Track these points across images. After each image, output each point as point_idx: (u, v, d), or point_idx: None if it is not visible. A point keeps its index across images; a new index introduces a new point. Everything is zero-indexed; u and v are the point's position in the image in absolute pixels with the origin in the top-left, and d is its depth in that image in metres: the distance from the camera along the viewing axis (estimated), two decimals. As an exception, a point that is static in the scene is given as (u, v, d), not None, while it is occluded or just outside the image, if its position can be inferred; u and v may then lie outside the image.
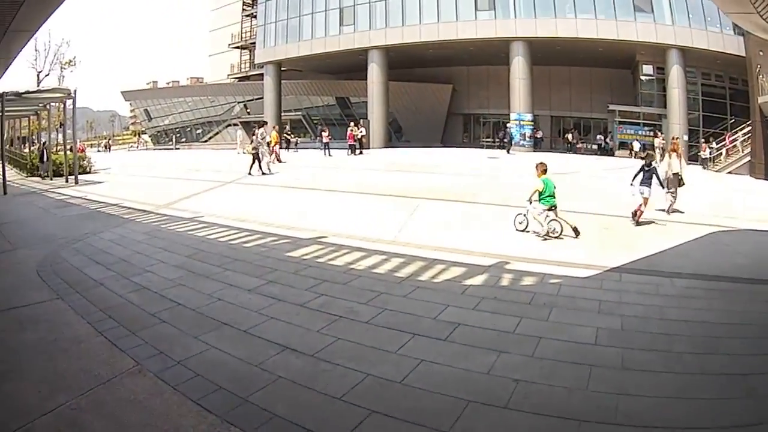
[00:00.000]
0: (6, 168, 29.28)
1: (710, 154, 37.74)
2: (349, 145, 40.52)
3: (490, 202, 17.70)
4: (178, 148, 70.74)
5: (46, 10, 14.06)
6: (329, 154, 39.37)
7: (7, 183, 27.34)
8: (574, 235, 12.95)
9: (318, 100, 66.18)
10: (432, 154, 40.20)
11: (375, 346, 6.85)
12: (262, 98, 61.98)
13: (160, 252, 12.07)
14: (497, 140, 52.24)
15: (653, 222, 15.09)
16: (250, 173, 26.14)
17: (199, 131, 78.89)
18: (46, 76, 60.80)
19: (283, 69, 60.13)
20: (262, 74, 63.54)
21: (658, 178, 15.02)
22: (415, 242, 12.68)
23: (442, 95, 59.15)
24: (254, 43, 67.23)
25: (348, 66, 58.32)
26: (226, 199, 20.28)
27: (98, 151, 72.54)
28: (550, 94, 53.08)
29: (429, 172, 26.27)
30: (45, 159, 33.51)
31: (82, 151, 45.84)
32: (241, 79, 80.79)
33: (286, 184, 23.08)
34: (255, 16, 71.71)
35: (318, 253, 11.83)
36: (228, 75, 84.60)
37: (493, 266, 10.59)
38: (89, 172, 33.80)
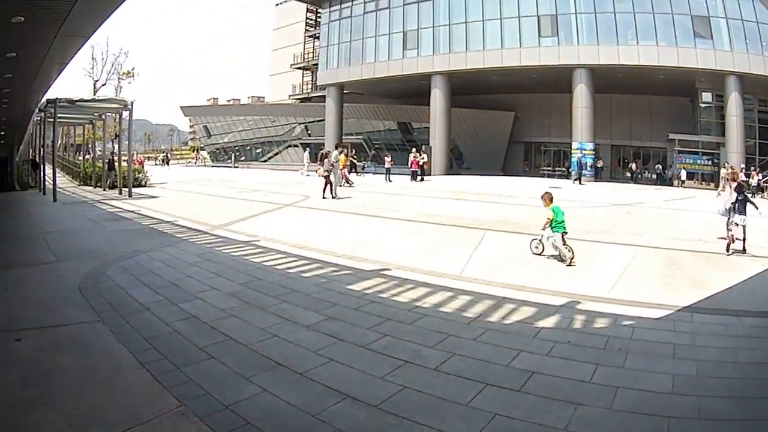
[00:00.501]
0: (58, 175, 29.26)
1: (758, 182, 37.26)
2: (412, 171, 39.97)
3: None
4: (237, 167, 71.05)
5: (99, 16, 13.73)
6: (389, 180, 39.20)
7: (58, 190, 27.73)
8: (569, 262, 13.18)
9: (380, 124, 65.77)
10: (494, 183, 39.38)
11: (444, 397, 6.22)
12: (323, 120, 62.07)
13: (212, 277, 11.53)
14: (565, 170, 52.19)
15: (724, 254, 14.28)
16: (324, 197, 25.58)
17: (258, 150, 79.68)
18: (103, 85, 62.38)
19: (345, 92, 60.19)
20: (323, 96, 63.88)
21: (753, 205, 14.54)
22: (482, 278, 11.96)
23: (504, 123, 58.60)
24: (316, 64, 67.58)
25: (410, 91, 58.34)
26: (284, 223, 19.51)
27: (156, 164, 73.74)
28: (611, 123, 52.12)
29: (493, 202, 25.39)
30: (111, 169, 33.70)
31: (140, 163, 46.40)
32: (302, 100, 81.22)
33: (348, 209, 22.35)
34: (317, 38, 72.69)
35: (381, 287, 11.14)
36: (289, 95, 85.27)
37: (564, 306, 10.01)
38: (144, 186, 33.98)
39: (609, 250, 14.49)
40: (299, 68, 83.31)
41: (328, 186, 25.89)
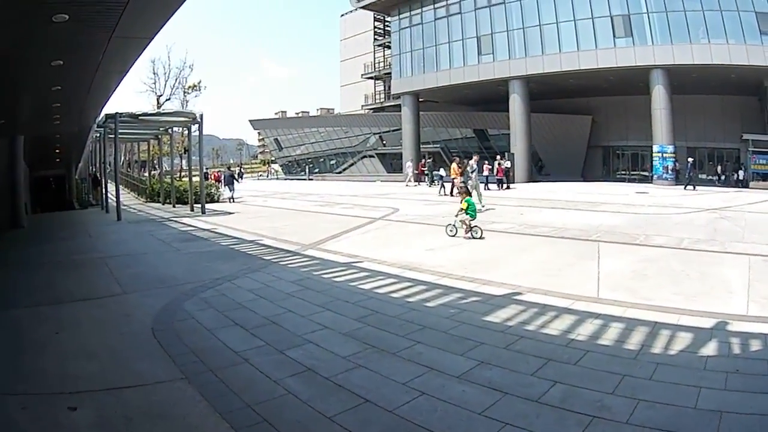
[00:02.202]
0: (122, 192, 29.04)
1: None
2: (497, 179, 40.16)
3: (665, 245, 15.79)
4: (311, 179, 72.96)
5: (159, 14, 12.04)
6: (487, 188, 37.93)
7: (123, 208, 27.41)
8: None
9: (456, 132, 66.22)
10: (579, 189, 38.98)
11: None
12: (398, 129, 63.26)
13: (319, 311, 9.77)
14: (646, 173, 52.67)
15: None
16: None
17: (332, 162, 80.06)
18: (167, 100, 62.31)
19: (420, 100, 60.74)
20: (397, 105, 65.10)
21: None
22: (620, 299, 10.50)
23: (582, 127, 58.96)
24: (388, 73, 69.27)
25: (485, 97, 59.20)
26: (382, 241, 18.08)
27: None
28: (686, 124, 51.44)
29: (587, 210, 24.85)
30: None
31: (217, 179, 46.61)
32: (375, 109, 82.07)
33: (443, 222, 20.41)
34: (387, 46, 74.03)
35: (522, 317, 9.56)
36: (362, 106, 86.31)
37: (716, 329, 8.81)
38: (217, 201, 33.81)
39: (720, 260, 13.57)
40: (371, 78, 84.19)
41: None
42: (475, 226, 17.27)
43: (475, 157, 29.81)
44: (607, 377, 6.79)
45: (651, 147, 46.84)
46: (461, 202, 17.72)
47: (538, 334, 8.62)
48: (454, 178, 30.53)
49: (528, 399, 6.21)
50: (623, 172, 58.59)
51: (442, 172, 41.20)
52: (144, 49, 14.60)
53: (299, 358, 7.42)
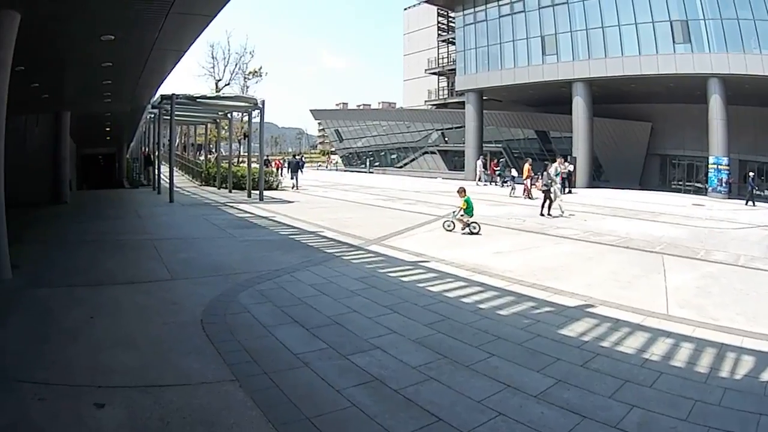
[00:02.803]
0: (176, 174, 29.27)
1: None
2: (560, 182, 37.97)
3: (724, 262, 15.38)
4: (372, 172, 72.84)
5: None
6: (570, 191, 37.68)
7: (176, 190, 27.38)
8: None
9: (519, 132, 65.06)
10: (638, 198, 38.10)
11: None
12: (460, 127, 62.44)
13: (386, 313, 9.14)
14: (701, 184, 51.26)
15: None
16: (542, 214, 23.93)
17: (393, 156, 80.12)
18: (226, 85, 62.34)
19: (483, 98, 59.99)
20: (460, 102, 63.96)
21: None
22: (690, 318, 10.01)
23: (642, 134, 57.25)
24: (452, 69, 68.10)
25: (548, 98, 57.89)
26: (446, 240, 17.20)
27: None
28: (738, 137, 49.20)
29: (649, 220, 24.30)
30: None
31: (279, 167, 47.21)
32: (438, 106, 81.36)
33: (510, 225, 20.67)
34: (451, 42, 73.09)
35: (596, 332, 9.12)
36: (425, 101, 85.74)
37: None
38: (275, 188, 33.72)
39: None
40: (434, 73, 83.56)
41: (547, 202, 24.29)
42: (473, 222, 18.26)
43: (559, 160, 29.63)
44: (681, 402, 6.49)
45: (706, 158, 45.85)
46: (462, 202, 18.44)
47: (614, 351, 8.24)
48: (526, 179, 30.46)
49: (607, 424, 5.86)
50: (679, 183, 56.91)
51: (514, 172, 40.58)
52: (203, 28, 14.08)
53: (365, 366, 6.83)
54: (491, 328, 8.62)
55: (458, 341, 7.93)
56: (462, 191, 19.14)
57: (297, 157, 50.78)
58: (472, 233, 17.85)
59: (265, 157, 38.64)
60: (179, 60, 17.48)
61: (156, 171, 34.95)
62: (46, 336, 7.40)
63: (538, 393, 6.40)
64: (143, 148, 47.01)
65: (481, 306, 10.01)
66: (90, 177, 40.26)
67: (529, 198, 30.96)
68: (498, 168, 48.23)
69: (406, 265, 13.30)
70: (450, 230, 18.42)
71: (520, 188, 34.76)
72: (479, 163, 49.56)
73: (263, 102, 29.62)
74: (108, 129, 34.30)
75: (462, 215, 18.41)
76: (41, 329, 7.72)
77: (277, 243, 15.52)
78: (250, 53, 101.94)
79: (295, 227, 18.53)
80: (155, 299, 9.23)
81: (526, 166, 30.25)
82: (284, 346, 7.32)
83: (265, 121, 31.12)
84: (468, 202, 18.52)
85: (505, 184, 42.72)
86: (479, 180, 47.43)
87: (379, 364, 6.91)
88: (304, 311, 8.99)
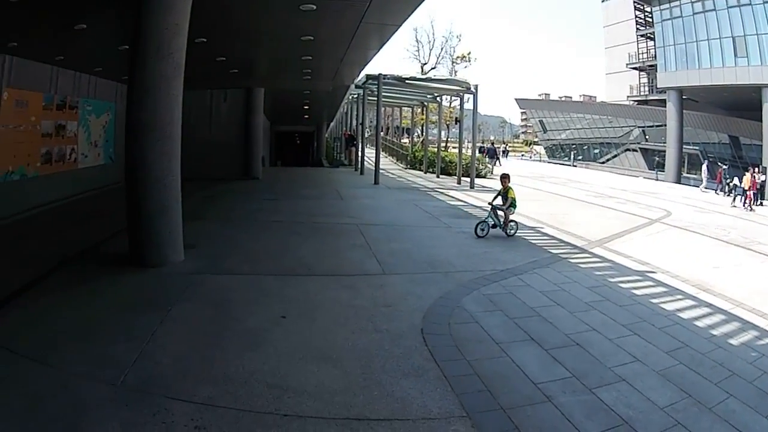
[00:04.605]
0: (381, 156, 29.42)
1: None
2: (752, 193, 35.73)
3: None
4: (575, 166, 71.22)
5: None
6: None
7: (380, 172, 27.27)
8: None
9: (714, 136, 62.85)
10: None
11: None
12: (660, 125, 61.44)
13: (626, 335, 7.99)
14: None
15: None
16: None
17: (596, 151, 79.03)
18: (432, 68, 61.81)
19: (683, 97, 57.73)
20: (661, 99, 62.63)
21: None
22: None
23: None
24: (651, 65, 66.89)
25: (741, 103, 54.69)
26: (665, 247, 15.78)
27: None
28: None
29: None
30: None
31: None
32: (639, 102, 78.75)
33: (713, 234, 18.63)
34: (649, 37, 70.69)
35: None
36: (627, 96, 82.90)
37: None
38: (484, 177, 33.18)
39: None
40: (635, 68, 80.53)
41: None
42: (512, 221, 15.25)
43: (751, 170, 28.69)
44: None
45: None
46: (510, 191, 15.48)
47: None
48: (747, 189, 29.12)
49: None
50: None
51: (736, 180, 38.45)
52: (419, 3, 13.03)
53: (613, 404, 5.78)
54: (725, 361, 7.50)
55: (699, 375, 6.90)
56: (506, 178, 15.83)
57: (495, 145, 50.01)
58: (508, 235, 14.84)
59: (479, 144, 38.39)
60: (390, 36, 16.67)
61: (359, 151, 35.01)
62: (218, 338, 6.64)
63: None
64: (344, 129, 47.54)
65: (713, 332, 8.86)
66: (286, 155, 41.43)
67: (751, 210, 28.71)
68: (727, 177, 45.03)
69: (633, 275, 12.06)
70: (483, 235, 14.62)
71: (739, 198, 32.38)
72: (704, 168, 46.36)
73: (476, 87, 29.01)
74: (306, 107, 34.89)
75: (507, 209, 15.18)
76: (213, 328, 6.96)
77: (497, 238, 14.50)
78: (457, 37, 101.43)
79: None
80: (363, 298, 8.39)
81: (747, 176, 28.49)
82: (522, 372, 6.29)
83: (468, 107, 30.94)
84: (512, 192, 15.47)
85: (730, 194, 40.49)
86: (704, 187, 43.95)
87: (626, 402, 5.88)
88: (539, 325, 7.98)
